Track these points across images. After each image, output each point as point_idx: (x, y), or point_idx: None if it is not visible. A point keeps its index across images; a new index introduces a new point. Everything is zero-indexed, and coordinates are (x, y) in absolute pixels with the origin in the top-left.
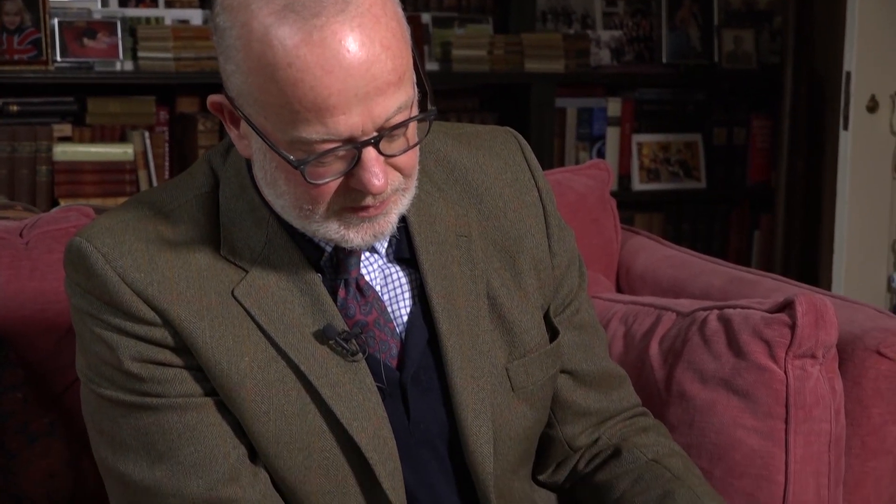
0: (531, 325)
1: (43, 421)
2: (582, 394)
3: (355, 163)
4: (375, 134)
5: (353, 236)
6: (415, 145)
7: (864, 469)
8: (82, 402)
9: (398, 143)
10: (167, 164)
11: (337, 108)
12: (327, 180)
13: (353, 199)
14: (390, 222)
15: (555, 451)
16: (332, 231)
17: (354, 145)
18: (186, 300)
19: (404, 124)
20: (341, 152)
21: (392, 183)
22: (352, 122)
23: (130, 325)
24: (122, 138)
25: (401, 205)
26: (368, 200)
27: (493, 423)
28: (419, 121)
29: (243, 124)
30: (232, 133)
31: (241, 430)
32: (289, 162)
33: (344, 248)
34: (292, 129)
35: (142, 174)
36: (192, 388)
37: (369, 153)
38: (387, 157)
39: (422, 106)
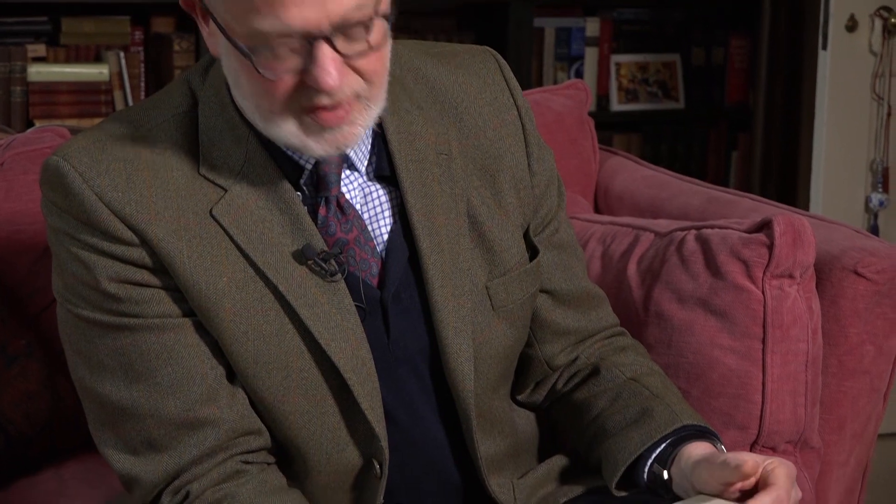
0: (511, 243)
1: (20, 342)
2: (561, 313)
3: (311, 60)
4: (331, 30)
5: (313, 145)
6: (376, 48)
7: (841, 388)
8: (59, 323)
9: (357, 45)
10: (142, 84)
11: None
12: (281, 74)
13: (308, 98)
14: (355, 134)
15: (534, 370)
16: (293, 136)
17: (308, 40)
18: (164, 220)
19: (362, 24)
20: (295, 45)
21: (351, 86)
22: (305, 14)
23: (108, 245)
24: (97, 59)
25: (367, 116)
26: (323, 100)
27: (473, 341)
28: (377, 18)
29: (211, 21)
30: (203, 31)
31: (219, 351)
32: (240, 50)
33: (324, 166)
34: (247, 19)
35: (117, 95)
36: (169, 309)
37: (323, 49)
38: (344, 56)
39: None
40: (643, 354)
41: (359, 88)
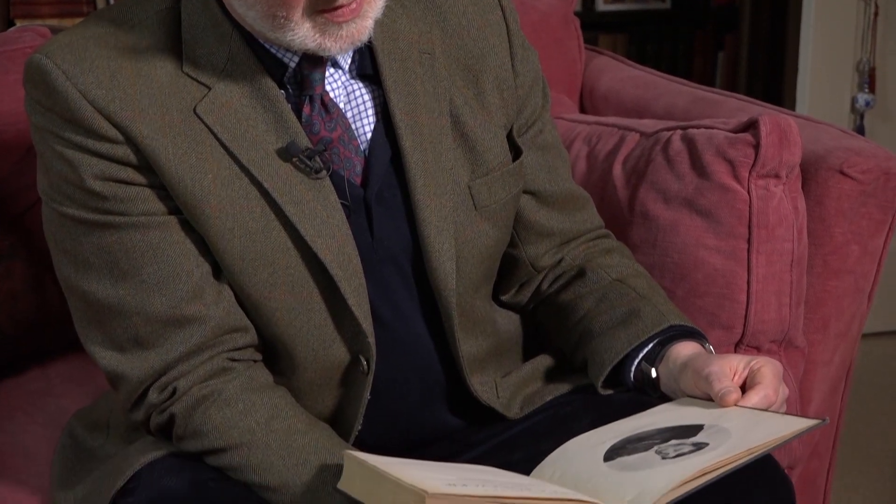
0: (494, 143)
1: (4, 243)
2: (545, 214)
3: None
4: None
5: (330, 44)
6: None
7: (826, 288)
8: (44, 221)
9: None
10: None
11: None
12: None
13: (325, 1)
14: (367, 27)
15: (518, 271)
16: (309, 39)
17: None
18: (149, 117)
19: None
20: None
21: None
22: None
23: (92, 143)
24: None
25: (376, 7)
26: (342, 0)
27: (455, 240)
28: None
29: None
30: None
31: (204, 248)
32: None
33: (308, 64)
34: None
35: None
36: (154, 207)
37: None
38: None
39: None
40: (628, 256)
41: None
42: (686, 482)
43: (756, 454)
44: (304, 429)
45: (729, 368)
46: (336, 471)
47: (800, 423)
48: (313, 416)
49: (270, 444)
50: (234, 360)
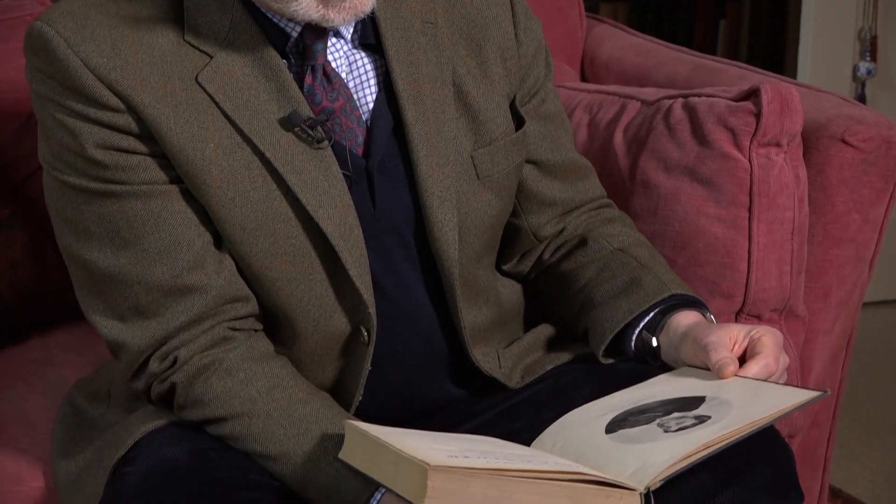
0: (497, 113)
1: (4, 212)
2: (547, 184)
3: None
4: None
5: (333, 15)
6: None
7: (827, 257)
8: (45, 190)
9: None
10: None
11: None
12: None
13: None
14: None
15: (520, 241)
16: (312, 10)
17: None
18: (150, 86)
19: None
20: None
21: None
22: None
23: (94, 112)
24: None
25: None
26: None
27: (458, 210)
28: None
29: None
30: None
31: (206, 218)
32: None
33: (311, 34)
34: None
35: None
36: (156, 176)
37: None
38: None
39: None
40: (630, 226)
41: None
42: (688, 456)
43: (758, 426)
44: (306, 398)
45: (729, 338)
46: (337, 441)
47: (802, 395)
48: (314, 386)
49: (271, 413)
50: (234, 329)
